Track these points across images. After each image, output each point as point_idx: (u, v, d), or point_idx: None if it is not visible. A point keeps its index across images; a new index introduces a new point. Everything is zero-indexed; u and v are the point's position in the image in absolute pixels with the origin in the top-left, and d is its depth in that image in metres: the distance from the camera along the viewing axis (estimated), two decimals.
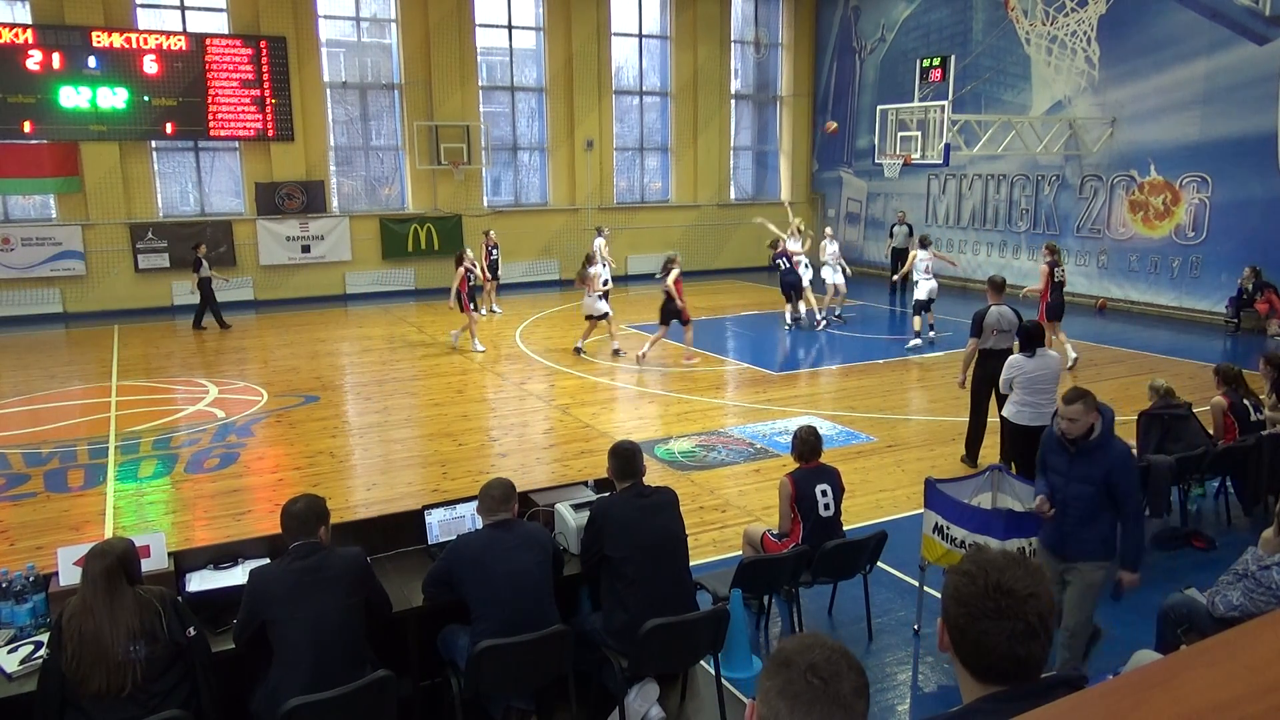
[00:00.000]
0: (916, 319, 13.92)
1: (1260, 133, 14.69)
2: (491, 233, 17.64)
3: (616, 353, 13.19)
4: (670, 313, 12.63)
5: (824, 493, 5.34)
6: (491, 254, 17.03)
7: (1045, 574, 1.76)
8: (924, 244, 14.46)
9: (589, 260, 13.46)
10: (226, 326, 15.94)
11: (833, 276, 15.35)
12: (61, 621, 3.43)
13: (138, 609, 3.44)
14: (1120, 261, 17.18)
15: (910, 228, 18.45)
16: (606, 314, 13.17)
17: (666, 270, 12.64)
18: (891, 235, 19.06)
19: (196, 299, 15.93)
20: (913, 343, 13.67)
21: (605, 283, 13.18)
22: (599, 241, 16.99)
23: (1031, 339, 7.05)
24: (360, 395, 11.48)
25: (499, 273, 17.46)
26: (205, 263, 15.74)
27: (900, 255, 18.40)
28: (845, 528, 5.55)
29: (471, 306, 13.72)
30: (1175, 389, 7.35)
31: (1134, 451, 4.81)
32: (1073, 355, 12.07)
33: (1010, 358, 7.21)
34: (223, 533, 6.96)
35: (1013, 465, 7.02)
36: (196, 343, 14.90)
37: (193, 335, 15.55)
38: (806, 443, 5.44)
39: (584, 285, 13.26)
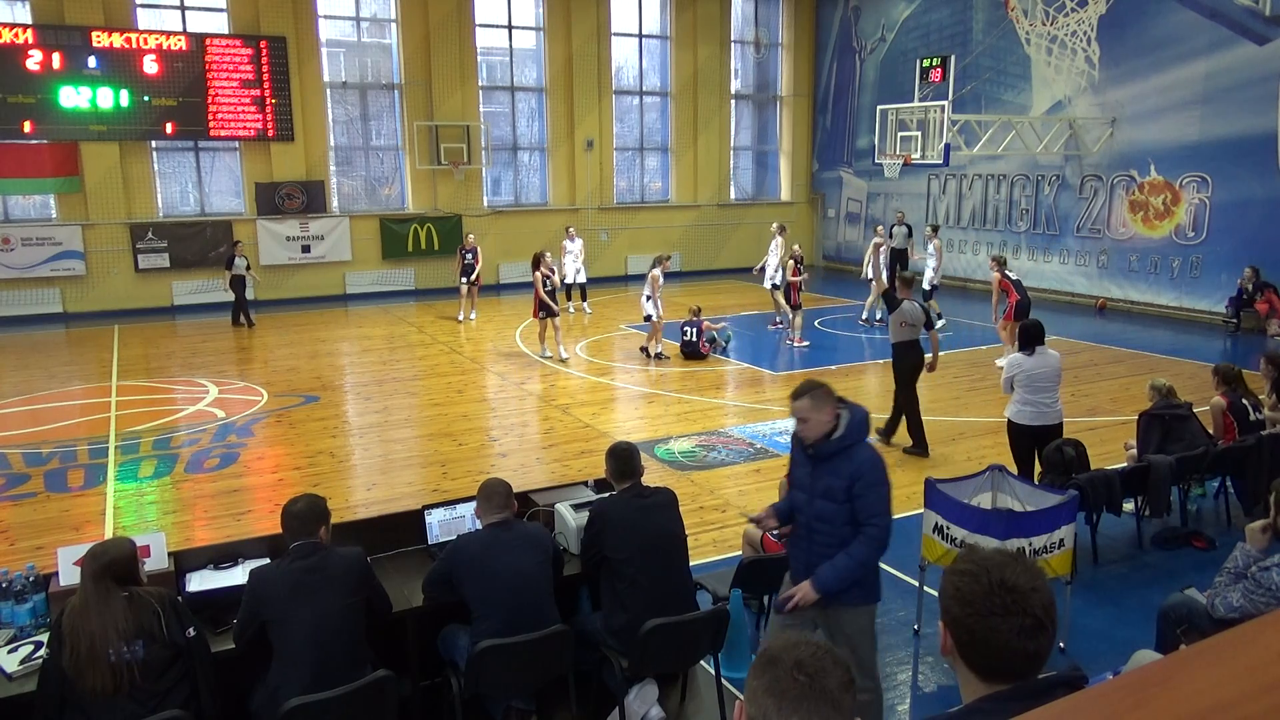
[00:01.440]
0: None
1: (1260, 133, 14.69)
2: (470, 236, 17.07)
3: (651, 354, 13.04)
4: None
5: None
6: (465, 258, 16.33)
7: (1041, 569, 1.76)
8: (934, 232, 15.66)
9: (657, 262, 13.55)
10: (238, 325, 16.04)
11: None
12: (61, 620, 3.44)
13: (132, 610, 3.44)
14: (1120, 261, 17.18)
15: (909, 228, 18.38)
16: (649, 316, 13.08)
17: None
18: (890, 236, 19.06)
19: (232, 297, 16.19)
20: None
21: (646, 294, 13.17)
22: (567, 243, 16.89)
23: (1031, 337, 6.99)
24: (360, 395, 11.48)
25: (476, 278, 16.45)
26: (244, 259, 16.07)
27: (899, 256, 18.27)
28: None
29: (543, 314, 12.91)
30: (1175, 389, 7.34)
31: (880, 463, 3.97)
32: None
33: (1010, 356, 7.18)
34: (223, 533, 6.96)
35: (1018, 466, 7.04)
36: (196, 343, 14.90)
37: (210, 334, 15.56)
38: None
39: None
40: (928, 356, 8.86)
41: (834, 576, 3.86)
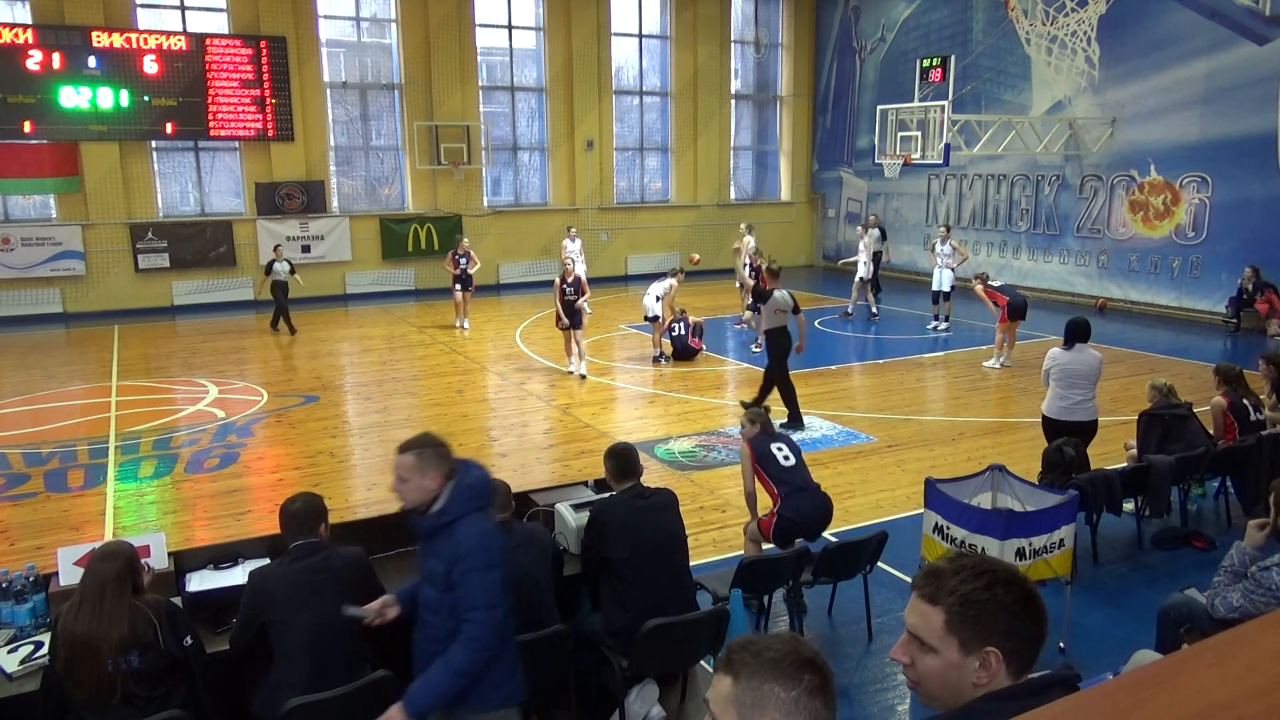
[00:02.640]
0: (935, 306, 15.30)
1: (1260, 133, 14.69)
2: (465, 240, 16.36)
3: (655, 355, 12.90)
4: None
5: (780, 448, 5.66)
6: (460, 263, 15.56)
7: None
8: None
9: (674, 272, 13.54)
10: (276, 330, 15.45)
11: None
12: (56, 626, 3.42)
13: (132, 619, 3.43)
14: (1120, 261, 17.18)
15: (883, 231, 17.59)
16: (655, 316, 12.92)
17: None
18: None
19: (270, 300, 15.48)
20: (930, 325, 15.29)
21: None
22: (567, 243, 16.70)
23: (1073, 334, 7.06)
24: (360, 395, 11.48)
25: (471, 285, 15.82)
26: (286, 264, 15.36)
27: (874, 259, 17.16)
28: (845, 528, 5.58)
29: (566, 324, 11.92)
30: (1176, 389, 7.33)
31: (490, 542, 3.24)
32: (1001, 362, 12.26)
33: (1050, 350, 7.24)
34: (223, 533, 6.96)
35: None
36: (196, 343, 14.90)
37: (210, 334, 15.56)
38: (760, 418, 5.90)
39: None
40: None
41: (428, 694, 3.12)
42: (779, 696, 1.48)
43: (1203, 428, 7.10)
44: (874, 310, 16.24)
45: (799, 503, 5.50)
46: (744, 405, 9.54)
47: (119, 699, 3.38)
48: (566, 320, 11.96)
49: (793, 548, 5.30)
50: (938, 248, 14.92)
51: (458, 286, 15.76)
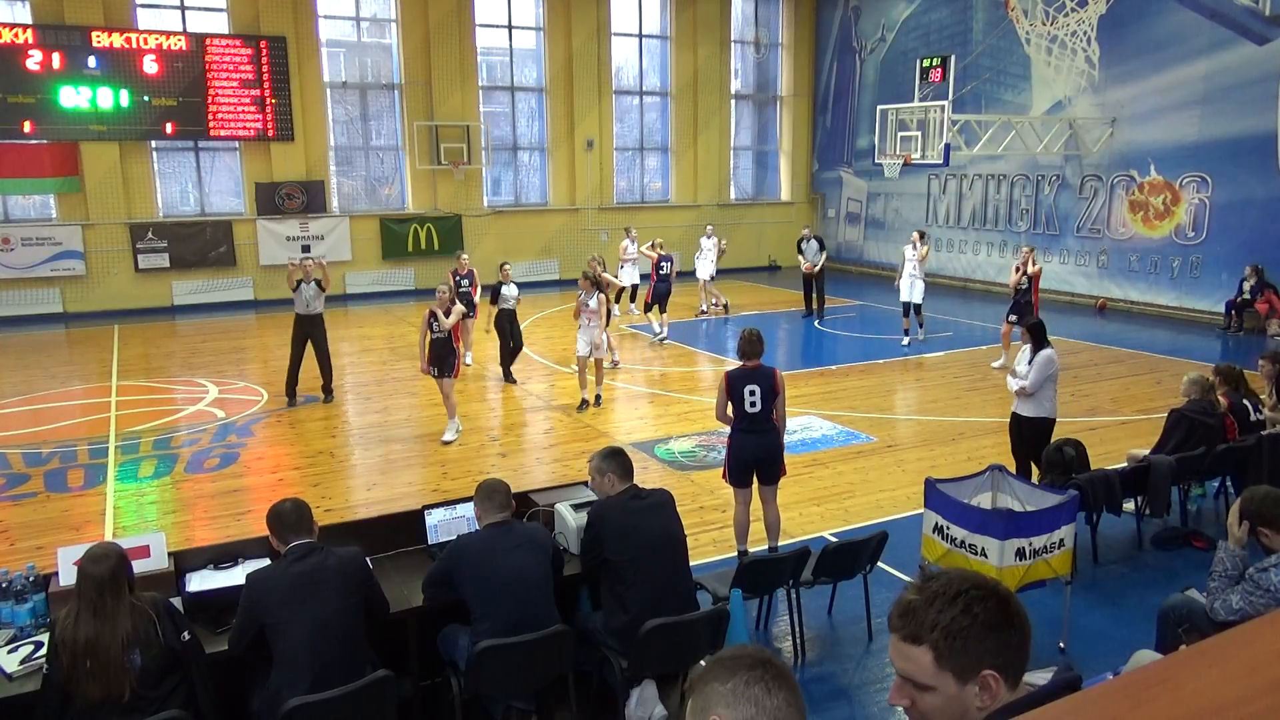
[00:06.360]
0: (905, 320, 13.99)
1: (1260, 133, 14.68)
2: (465, 256, 13.39)
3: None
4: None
5: (751, 392, 6.10)
6: (461, 285, 12.35)
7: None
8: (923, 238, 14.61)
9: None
10: (510, 379, 11.86)
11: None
12: (55, 634, 3.42)
13: (133, 616, 3.44)
14: (1120, 261, 17.17)
15: (820, 242, 16.64)
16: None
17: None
18: (800, 251, 16.52)
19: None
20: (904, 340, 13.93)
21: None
22: (626, 243, 16.35)
23: (1045, 334, 7.03)
24: (360, 395, 11.48)
25: (474, 313, 12.78)
26: (514, 286, 11.80)
27: (810, 273, 16.36)
28: (845, 528, 5.56)
29: (433, 371, 9.36)
30: (1178, 390, 7.27)
31: None
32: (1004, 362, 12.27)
33: (1045, 355, 6.92)
34: (223, 533, 6.96)
35: (1031, 464, 7.09)
36: (196, 343, 14.88)
37: (210, 334, 15.55)
38: (750, 342, 6.30)
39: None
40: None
41: None
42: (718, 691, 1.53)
43: (1225, 439, 6.83)
44: (703, 308, 16.99)
45: (746, 442, 6.15)
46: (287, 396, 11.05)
47: (128, 698, 3.38)
48: (434, 367, 9.31)
49: (790, 549, 5.31)
50: (908, 253, 13.57)
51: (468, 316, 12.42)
